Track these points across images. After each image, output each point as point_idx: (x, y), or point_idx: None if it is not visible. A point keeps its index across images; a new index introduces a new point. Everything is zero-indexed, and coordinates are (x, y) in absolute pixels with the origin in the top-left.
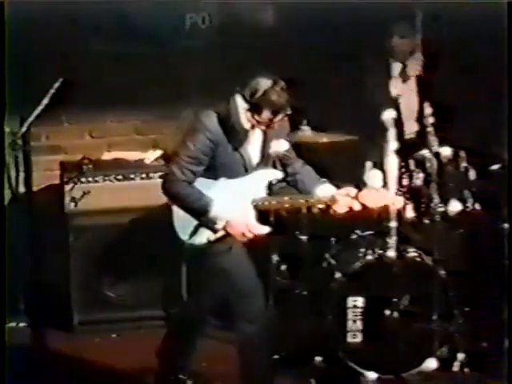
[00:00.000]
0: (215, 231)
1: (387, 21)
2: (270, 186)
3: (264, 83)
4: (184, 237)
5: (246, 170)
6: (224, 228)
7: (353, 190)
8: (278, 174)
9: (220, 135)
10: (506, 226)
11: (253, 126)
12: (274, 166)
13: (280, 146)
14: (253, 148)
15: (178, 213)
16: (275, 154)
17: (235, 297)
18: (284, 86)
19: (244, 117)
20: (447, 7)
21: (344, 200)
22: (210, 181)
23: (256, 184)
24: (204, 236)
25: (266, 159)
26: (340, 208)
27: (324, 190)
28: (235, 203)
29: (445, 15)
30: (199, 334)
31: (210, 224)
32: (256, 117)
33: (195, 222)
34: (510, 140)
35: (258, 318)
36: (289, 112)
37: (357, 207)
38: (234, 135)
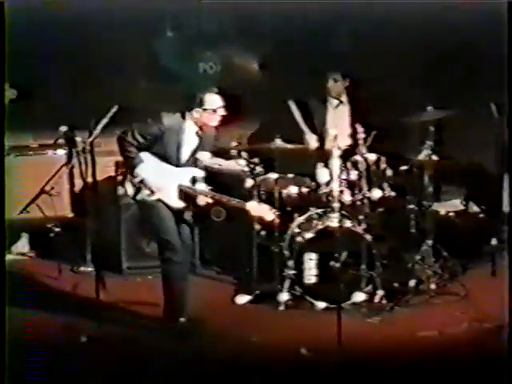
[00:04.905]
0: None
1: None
2: (194, 179)
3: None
4: (130, 194)
5: (178, 163)
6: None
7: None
8: (200, 173)
9: (171, 130)
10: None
11: (199, 129)
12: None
13: (203, 156)
14: (187, 149)
15: (128, 178)
16: (199, 161)
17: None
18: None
19: (190, 122)
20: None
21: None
22: (152, 157)
23: (185, 175)
24: (143, 195)
25: (192, 160)
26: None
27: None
28: (166, 181)
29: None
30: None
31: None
32: (200, 116)
33: (136, 184)
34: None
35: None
36: (222, 112)
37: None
38: (180, 135)
